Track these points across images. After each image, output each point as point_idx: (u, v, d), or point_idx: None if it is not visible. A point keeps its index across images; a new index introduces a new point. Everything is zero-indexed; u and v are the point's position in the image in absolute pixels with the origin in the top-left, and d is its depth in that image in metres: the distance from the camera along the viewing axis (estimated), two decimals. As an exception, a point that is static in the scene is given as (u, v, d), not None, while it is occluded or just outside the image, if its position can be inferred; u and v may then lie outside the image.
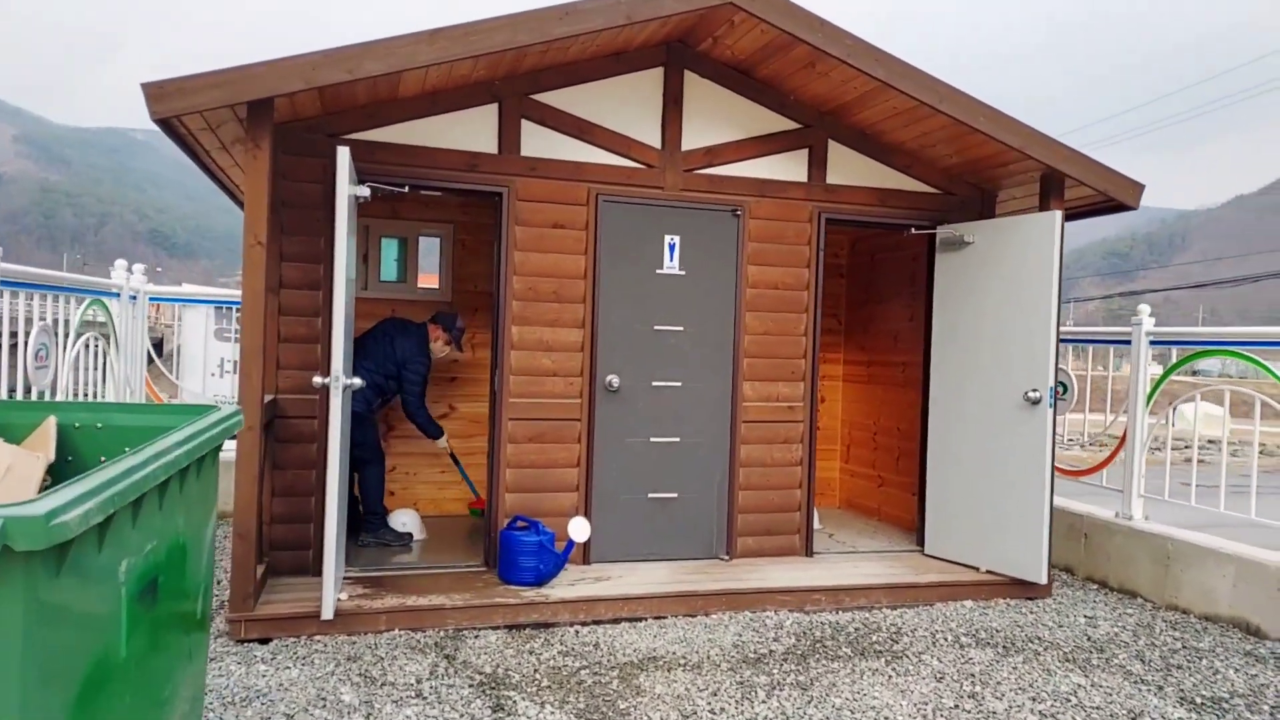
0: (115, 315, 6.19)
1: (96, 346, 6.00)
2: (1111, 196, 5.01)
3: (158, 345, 7.49)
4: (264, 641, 4.08)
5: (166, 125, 4.06)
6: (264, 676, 3.69)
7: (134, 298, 6.48)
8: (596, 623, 4.47)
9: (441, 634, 4.25)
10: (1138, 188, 5.03)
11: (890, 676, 3.91)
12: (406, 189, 4.75)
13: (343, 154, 3.99)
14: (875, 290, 6.83)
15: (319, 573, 4.58)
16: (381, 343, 5.46)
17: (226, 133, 4.53)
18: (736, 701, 3.59)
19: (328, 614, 4.05)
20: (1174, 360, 5.34)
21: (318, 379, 4.03)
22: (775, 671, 3.92)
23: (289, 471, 4.72)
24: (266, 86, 3.93)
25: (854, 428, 7.05)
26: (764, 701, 3.60)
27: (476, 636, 4.23)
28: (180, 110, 3.89)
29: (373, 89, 4.47)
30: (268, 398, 4.49)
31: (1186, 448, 9.88)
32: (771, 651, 4.16)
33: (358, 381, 4.16)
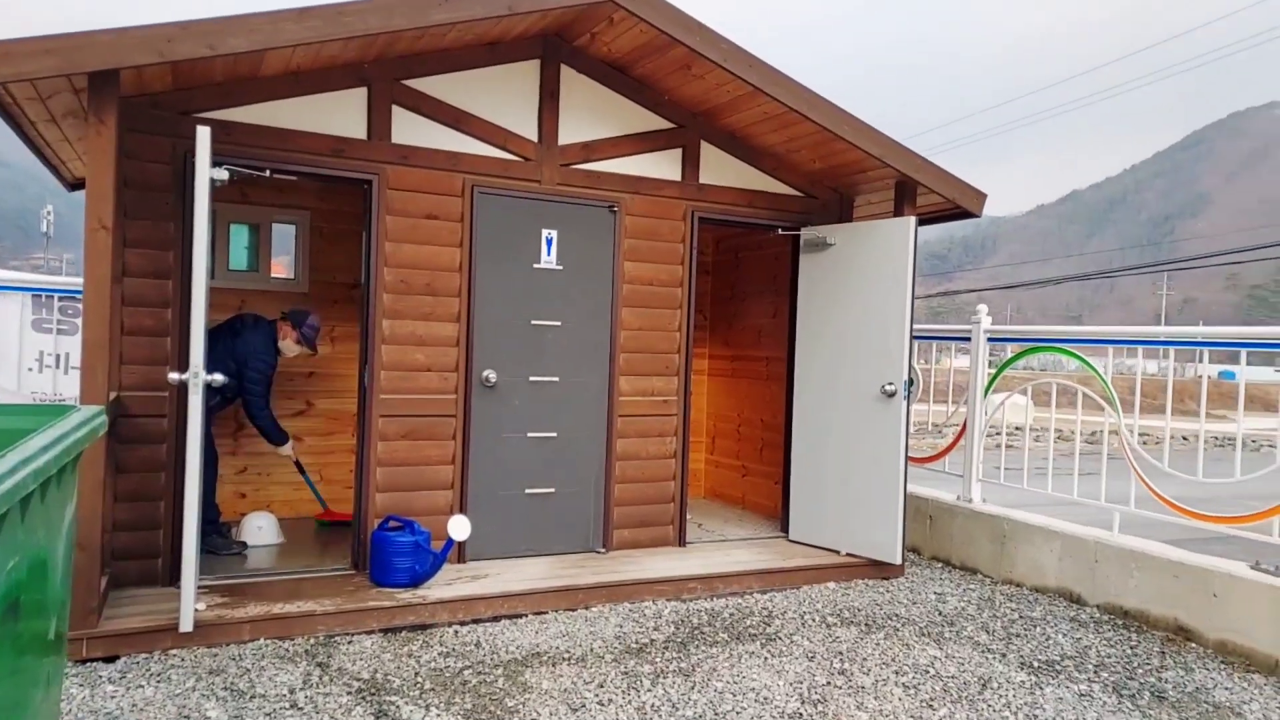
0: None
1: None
2: (959, 204, 5.42)
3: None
4: (110, 660, 3.75)
5: (-10, 92, 3.64)
6: (113, 698, 3.40)
7: (-67, 283, 5.76)
8: (476, 621, 4.40)
9: (312, 641, 4.05)
10: (982, 197, 5.47)
11: (766, 658, 4.07)
12: (268, 173, 4.48)
13: (203, 134, 3.71)
14: (740, 288, 7.06)
15: (170, 583, 4.27)
16: (224, 339, 5.09)
17: (58, 104, 4.11)
18: (623, 691, 3.64)
19: (186, 626, 3.77)
20: (1008, 355, 5.86)
21: (174, 375, 3.74)
22: (658, 660, 4.00)
23: (135, 475, 4.35)
24: (112, 57, 3.60)
25: (719, 420, 7.27)
26: (649, 690, 3.67)
27: (350, 642, 4.07)
28: (6, 78, 3.51)
29: (232, 66, 4.18)
30: (111, 395, 4.12)
31: (998, 434, 10.79)
32: (653, 640, 4.24)
33: (219, 378, 3.89)
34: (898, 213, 5.49)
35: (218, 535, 5.18)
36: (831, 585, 5.24)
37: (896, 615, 4.76)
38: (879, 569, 5.38)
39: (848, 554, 5.43)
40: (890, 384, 5.23)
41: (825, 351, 5.62)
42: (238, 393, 5.25)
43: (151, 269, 4.35)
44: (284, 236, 6.26)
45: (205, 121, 4.30)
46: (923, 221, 5.81)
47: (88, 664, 3.70)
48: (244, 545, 5.24)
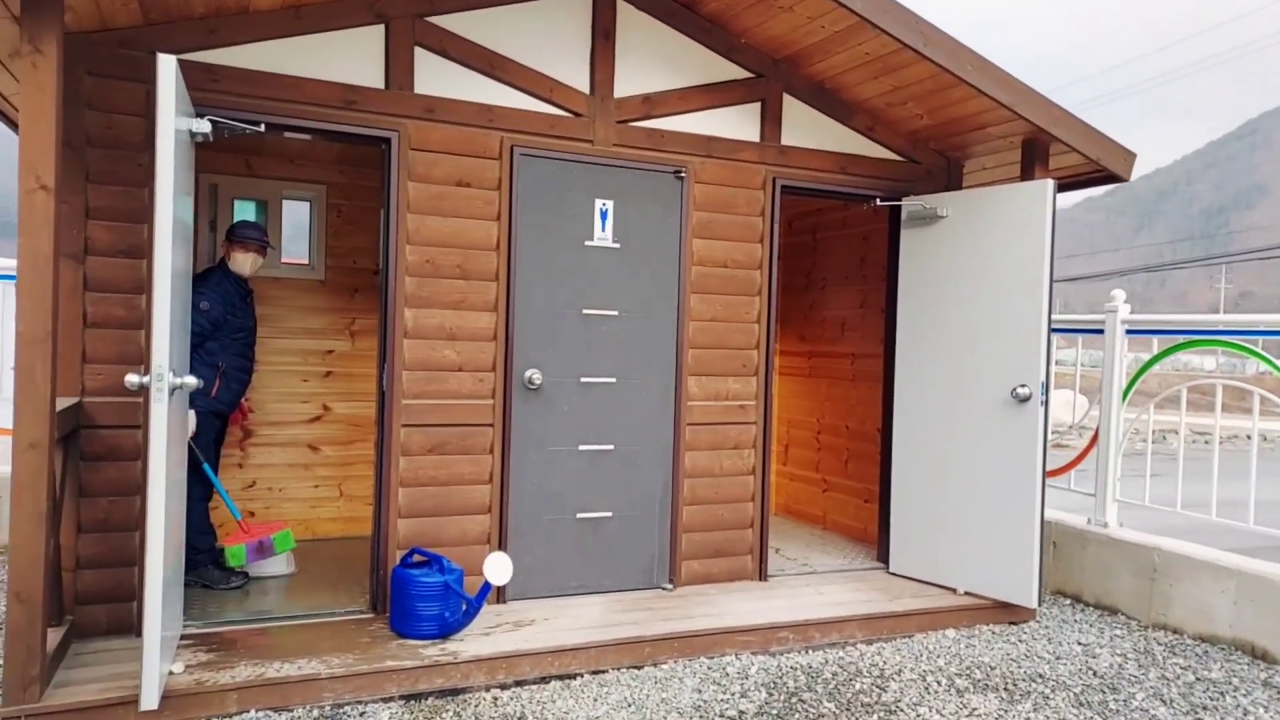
0: None
1: None
2: (1104, 166, 4.43)
3: None
4: (59, 741, 2.95)
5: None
6: (52, 801, 2.59)
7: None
8: (520, 684, 3.53)
9: (316, 713, 3.21)
10: (1131, 157, 4.47)
11: (891, 742, 3.15)
12: (263, 128, 3.64)
13: (166, 65, 2.87)
14: (817, 274, 6.12)
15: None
16: None
17: (3, 42, 3.32)
18: (713, 796, 2.75)
19: (150, 702, 2.94)
20: (1156, 351, 4.85)
21: (132, 377, 2.92)
22: (752, 744, 3.10)
23: (103, 500, 3.55)
24: (51, -34, 2.78)
25: (793, 426, 6.34)
26: (747, 792, 2.77)
27: (363, 715, 3.22)
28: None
29: (215, -9, 3.36)
30: (67, 401, 3.33)
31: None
32: (742, 714, 3.34)
33: (192, 381, 3.06)
34: (1026, 176, 4.52)
35: (214, 566, 4.39)
36: (951, 633, 4.29)
37: (1040, 675, 3.80)
38: (1007, 612, 4.41)
39: (966, 593, 4.48)
40: (1023, 386, 4.27)
41: (935, 347, 4.67)
42: (238, 393, 4.48)
43: (122, 246, 3.54)
44: (297, 215, 5.46)
45: (186, 64, 3.49)
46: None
47: (28, 747, 2.91)
48: (246, 577, 4.45)
